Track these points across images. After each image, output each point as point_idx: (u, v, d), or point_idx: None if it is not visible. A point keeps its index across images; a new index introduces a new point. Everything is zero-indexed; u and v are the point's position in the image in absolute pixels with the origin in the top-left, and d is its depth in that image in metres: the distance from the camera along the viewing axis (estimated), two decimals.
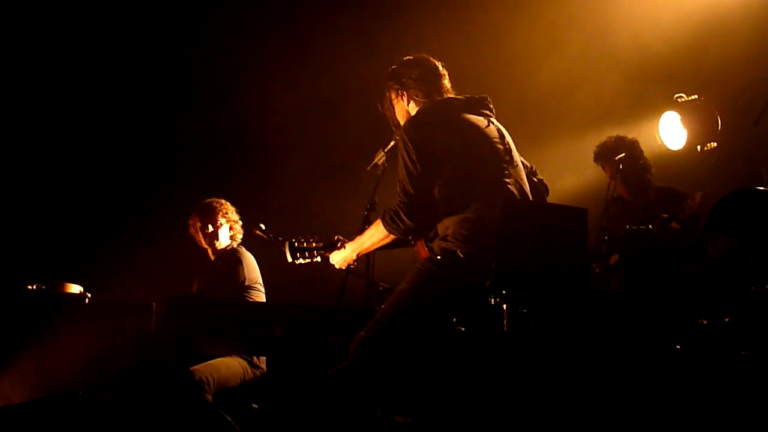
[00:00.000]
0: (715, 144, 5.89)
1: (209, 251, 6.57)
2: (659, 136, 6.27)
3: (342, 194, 7.43)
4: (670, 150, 6.26)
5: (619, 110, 7.25)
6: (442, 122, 4.60)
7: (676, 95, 6.07)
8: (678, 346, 4.58)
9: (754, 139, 5.50)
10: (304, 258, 4.98)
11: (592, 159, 6.41)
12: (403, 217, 4.50)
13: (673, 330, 5.07)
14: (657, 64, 7.17)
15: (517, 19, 7.61)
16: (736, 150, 6.05)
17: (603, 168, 6.37)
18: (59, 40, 8.07)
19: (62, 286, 6.31)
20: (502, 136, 4.69)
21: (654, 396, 4.39)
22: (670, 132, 6.19)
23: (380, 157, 5.16)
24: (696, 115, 5.97)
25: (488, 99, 4.80)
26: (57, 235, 8.00)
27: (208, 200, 6.61)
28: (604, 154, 6.31)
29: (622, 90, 7.28)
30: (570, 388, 4.33)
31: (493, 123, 4.71)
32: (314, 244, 5.00)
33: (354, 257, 4.87)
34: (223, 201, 6.61)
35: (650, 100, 6.86)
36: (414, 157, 4.47)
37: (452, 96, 4.78)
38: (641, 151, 6.29)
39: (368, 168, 5.22)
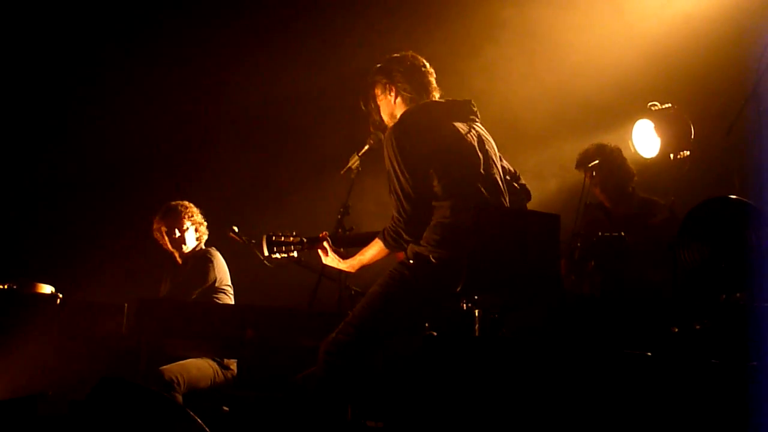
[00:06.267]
0: (688, 152, 5.91)
1: (176, 255, 6.49)
2: (632, 144, 6.27)
3: (315, 197, 7.41)
4: (644, 158, 6.27)
5: (593, 118, 7.26)
6: (423, 130, 4.57)
7: (650, 103, 6.09)
8: (649, 354, 4.58)
9: (727, 147, 5.52)
10: (281, 252, 4.87)
11: (566, 166, 6.41)
12: (404, 235, 4.50)
13: (645, 337, 5.08)
14: (631, 73, 7.18)
15: (494, 29, 7.62)
16: (708, 158, 6.08)
17: (584, 175, 6.33)
18: (37, 39, 8.03)
19: (33, 287, 6.25)
20: (481, 141, 4.69)
21: (625, 403, 4.39)
22: (644, 140, 6.20)
23: (354, 161, 5.15)
24: (669, 124, 5.99)
25: (472, 103, 4.80)
26: (28, 234, 7.94)
27: (172, 204, 6.49)
28: (582, 161, 6.28)
29: (596, 98, 7.30)
30: (541, 395, 4.33)
31: (474, 128, 4.71)
32: (291, 239, 4.93)
33: (354, 270, 4.85)
34: (186, 203, 6.51)
35: (624, 108, 6.87)
36: (404, 172, 4.47)
37: (436, 99, 4.76)
38: (623, 159, 6.24)
39: (342, 171, 5.21)
